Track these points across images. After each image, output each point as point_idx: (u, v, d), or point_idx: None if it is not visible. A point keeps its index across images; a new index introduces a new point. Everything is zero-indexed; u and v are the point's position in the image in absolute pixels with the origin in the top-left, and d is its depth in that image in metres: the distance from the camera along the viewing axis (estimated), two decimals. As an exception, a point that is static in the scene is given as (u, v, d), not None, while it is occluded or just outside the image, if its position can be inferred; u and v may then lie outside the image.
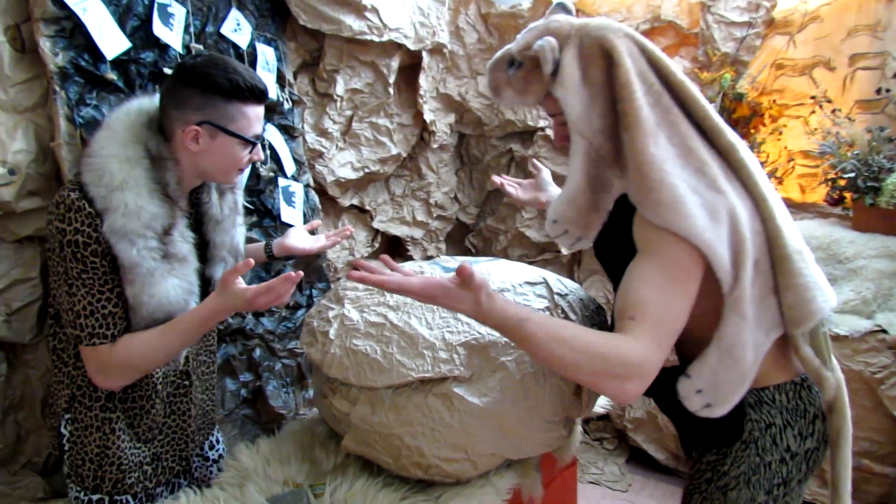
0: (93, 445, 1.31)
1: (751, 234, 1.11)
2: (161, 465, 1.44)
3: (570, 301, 1.43)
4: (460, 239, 3.54)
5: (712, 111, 1.17)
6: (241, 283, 1.22)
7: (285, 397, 2.38)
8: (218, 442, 1.67)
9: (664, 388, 1.18)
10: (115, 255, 1.16)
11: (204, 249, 1.41)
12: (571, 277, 3.22)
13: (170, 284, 1.23)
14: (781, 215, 1.16)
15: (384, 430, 1.26)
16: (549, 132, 3.10)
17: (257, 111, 1.29)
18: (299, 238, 1.71)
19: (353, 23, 2.46)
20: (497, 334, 1.29)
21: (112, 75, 1.74)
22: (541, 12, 2.99)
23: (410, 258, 3.20)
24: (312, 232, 1.80)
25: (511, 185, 1.77)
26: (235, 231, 1.47)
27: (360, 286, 1.51)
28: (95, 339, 1.18)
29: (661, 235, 1.08)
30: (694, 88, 1.16)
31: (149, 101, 1.29)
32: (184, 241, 1.27)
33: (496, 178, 1.79)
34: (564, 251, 3.10)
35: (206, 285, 1.40)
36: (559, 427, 1.40)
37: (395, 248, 3.24)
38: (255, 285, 1.20)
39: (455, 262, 1.60)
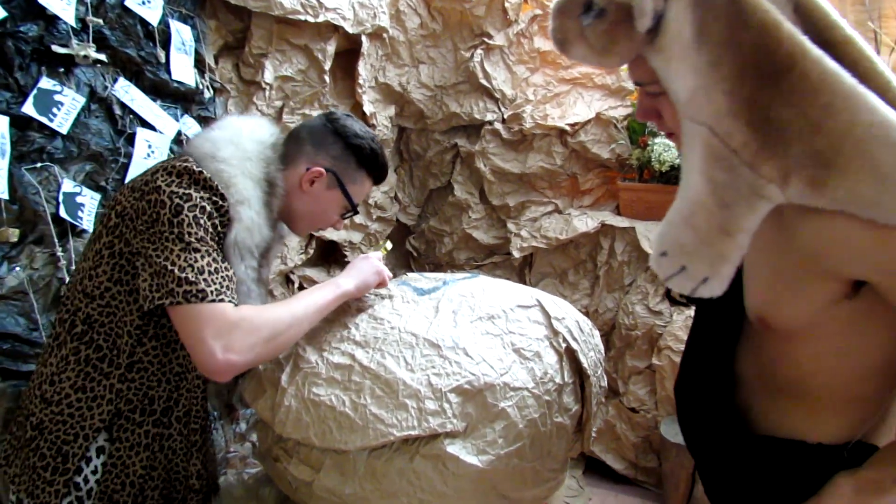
0: (137, 466, 1.14)
1: None
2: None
3: (568, 326, 1.21)
4: (401, 241, 3.29)
5: None
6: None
7: (215, 434, 2.05)
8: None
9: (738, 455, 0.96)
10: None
11: None
12: (523, 282, 3.03)
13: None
14: None
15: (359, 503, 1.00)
16: (498, 126, 2.89)
17: (370, 189, 1.37)
18: None
19: (284, 0, 2.16)
20: (495, 372, 1.05)
21: (-19, 52, 1.39)
22: (487, -4, 2.78)
23: (347, 265, 2.91)
24: None
25: None
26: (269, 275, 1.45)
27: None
28: (224, 296, 1.03)
29: None
30: (870, 49, 0.79)
31: (273, 124, 1.32)
32: (267, 267, 1.31)
33: None
34: (516, 254, 2.91)
35: None
36: (561, 472, 1.19)
37: (330, 254, 2.96)
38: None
39: (427, 280, 1.35)
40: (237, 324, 1.02)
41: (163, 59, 1.91)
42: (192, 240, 1.04)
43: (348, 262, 2.88)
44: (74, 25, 1.63)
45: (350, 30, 2.44)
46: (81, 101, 1.67)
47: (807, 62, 0.71)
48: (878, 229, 0.72)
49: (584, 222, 2.78)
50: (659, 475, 2.68)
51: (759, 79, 0.74)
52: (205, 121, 2.09)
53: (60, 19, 1.59)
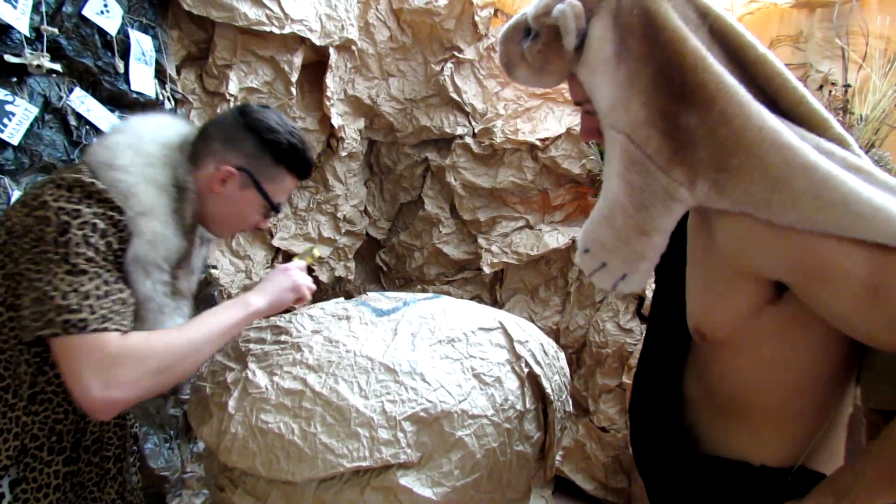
0: None
1: None
2: None
3: (531, 349, 1.17)
4: (371, 256, 3.24)
5: (809, 95, 0.85)
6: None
7: (168, 455, 1.98)
8: None
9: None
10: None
11: None
12: (494, 298, 3.00)
13: (177, 324, 1.08)
14: None
15: (307, 538, 0.95)
16: (469, 140, 2.87)
17: (293, 185, 1.25)
18: None
19: (248, 10, 2.14)
20: (453, 399, 1.01)
21: (-74, 60, 1.34)
22: (458, 10, 2.75)
23: (316, 279, 2.86)
24: None
25: None
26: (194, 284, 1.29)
27: (268, 336, 1.19)
28: (109, 324, 0.94)
29: (824, 246, 0.75)
30: (781, 66, 0.85)
31: (181, 122, 1.22)
32: (186, 277, 1.17)
33: None
34: (487, 269, 2.88)
35: None
36: (523, 502, 1.15)
37: (298, 268, 2.88)
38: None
39: (387, 300, 1.30)
40: (120, 356, 0.93)
41: (122, 70, 1.87)
42: (80, 261, 0.95)
43: (316, 278, 2.84)
44: (28, 34, 1.59)
45: (317, 42, 2.40)
46: (34, 111, 1.62)
47: (707, 74, 0.78)
48: (778, 229, 0.76)
49: (556, 238, 2.76)
50: (629, 496, 2.65)
51: (670, 90, 0.80)
52: (165, 132, 2.03)
53: (14, 29, 1.55)
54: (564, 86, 2.90)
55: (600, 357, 2.63)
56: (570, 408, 1.29)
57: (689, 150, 0.79)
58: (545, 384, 1.14)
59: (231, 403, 1.04)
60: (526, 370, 1.13)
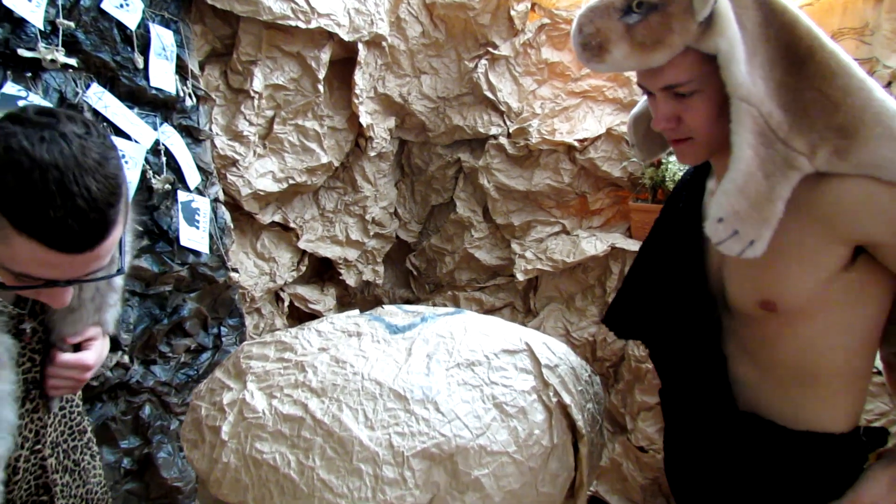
0: None
1: None
2: None
3: (561, 374, 1.05)
4: (401, 260, 3.15)
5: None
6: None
7: (182, 464, 1.91)
8: None
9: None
10: None
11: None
12: (527, 306, 2.87)
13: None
14: None
15: (300, 587, 0.84)
16: (503, 141, 2.74)
17: (43, 255, 0.77)
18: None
19: (273, 4, 2.07)
20: (469, 433, 0.89)
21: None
22: (493, 4, 2.63)
23: (343, 283, 2.78)
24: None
25: None
26: (103, 316, 1.05)
27: (271, 353, 1.09)
28: None
29: None
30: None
31: None
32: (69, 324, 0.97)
33: None
34: (520, 276, 2.75)
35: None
36: (547, 548, 1.02)
37: (324, 271, 2.83)
38: None
39: (404, 315, 1.19)
40: None
41: (141, 65, 1.82)
42: None
43: (343, 281, 2.76)
44: (42, 28, 1.55)
45: (345, 37, 2.32)
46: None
47: (824, 53, 0.87)
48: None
49: (593, 244, 2.62)
50: (668, 520, 2.50)
51: (787, 67, 0.88)
52: (186, 130, 1.98)
53: (28, 22, 1.52)
54: (605, 84, 2.73)
55: (639, 372, 2.48)
56: (604, 439, 1.16)
57: (806, 122, 0.87)
58: (576, 415, 1.01)
59: (225, 429, 0.94)
60: (555, 399, 1.00)
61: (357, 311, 1.25)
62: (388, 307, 1.25)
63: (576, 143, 2.62)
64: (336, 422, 0.90)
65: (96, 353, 1.02)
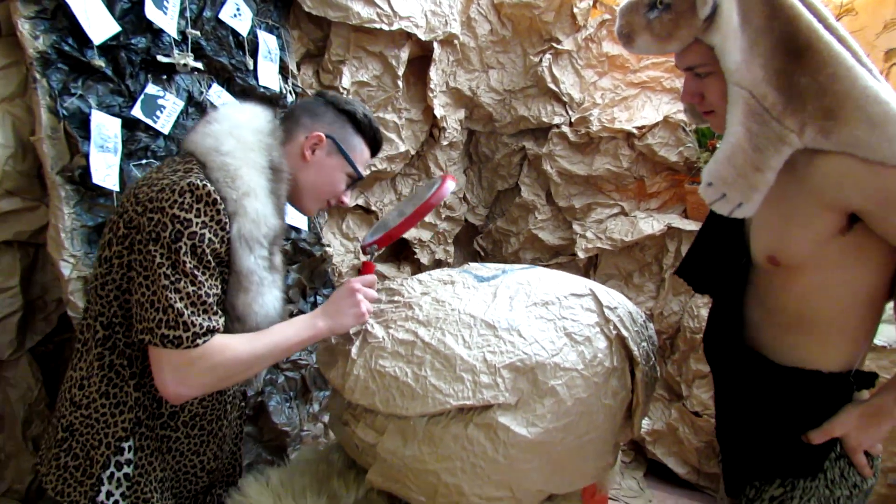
0: (158, 471, 1.21)
1: None
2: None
3: (619, 315, 1.27)
4: (469, 241, 3.38)
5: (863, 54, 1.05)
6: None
7: (289, 413, 2.20)
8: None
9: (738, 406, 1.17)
10: (231, 261, 1.12)
11: None
12: (587, 282, 3.06)
13: (273, 296, 1.20)
14: None
15: (417, 465, 1.10)
16: (565, 129, 2.95)
17: (370, 158, 1.37)
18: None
19: (361, 10, 2.30)
20: (546, 353, 1.13)
21: (99, 62, 1.57)
22: (557, 2, 2.84)
23: (417, 261, 3.04)
24: None
25: None
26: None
27: (384, 296, 1.35)
28: (199, 340, 1.06)
29: None
30: (852, 39, 1.04)
31: (268, 110, 1.28)
32: (279, 254, 1.25)
33: None
34: (581, 255, 2.95)
35: None
36: (609, 455, 1.24)
37: (401, 250, 3.08)
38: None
39: (487, 269, 1.43)
40: (197, 361, 1.05)
41: (251, 67, 2.07)
42: (187, 269, 1.05)
43: (418, 259, 3.01)
44: (176, 37, 1.80)
45: (423, 37, 2.55)
46: (181, 104, 1.84)
47: (820, 45, 0.99)
48: (871, 165, 0.97)
49: (650, 224, 2.79)
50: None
51: (785, 56, 1.01)
52: (287, 123, 2.24)
53: (165, 32, 1.76)
54: (663, 74, 2.98)
55: (694, 343, 2.65)
56: (657, 374, 1.37)
57: (798, 104, 1.00)
58: (632, 346, 1.23)
59: (353, 350, 1.20)
60: (614, 332, 1.23)
61: (448, 268, 1.50)
62: (472, 264, 1.49)
63: (634, 131, 2.79)
64: (441, 343, 1.15)
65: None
